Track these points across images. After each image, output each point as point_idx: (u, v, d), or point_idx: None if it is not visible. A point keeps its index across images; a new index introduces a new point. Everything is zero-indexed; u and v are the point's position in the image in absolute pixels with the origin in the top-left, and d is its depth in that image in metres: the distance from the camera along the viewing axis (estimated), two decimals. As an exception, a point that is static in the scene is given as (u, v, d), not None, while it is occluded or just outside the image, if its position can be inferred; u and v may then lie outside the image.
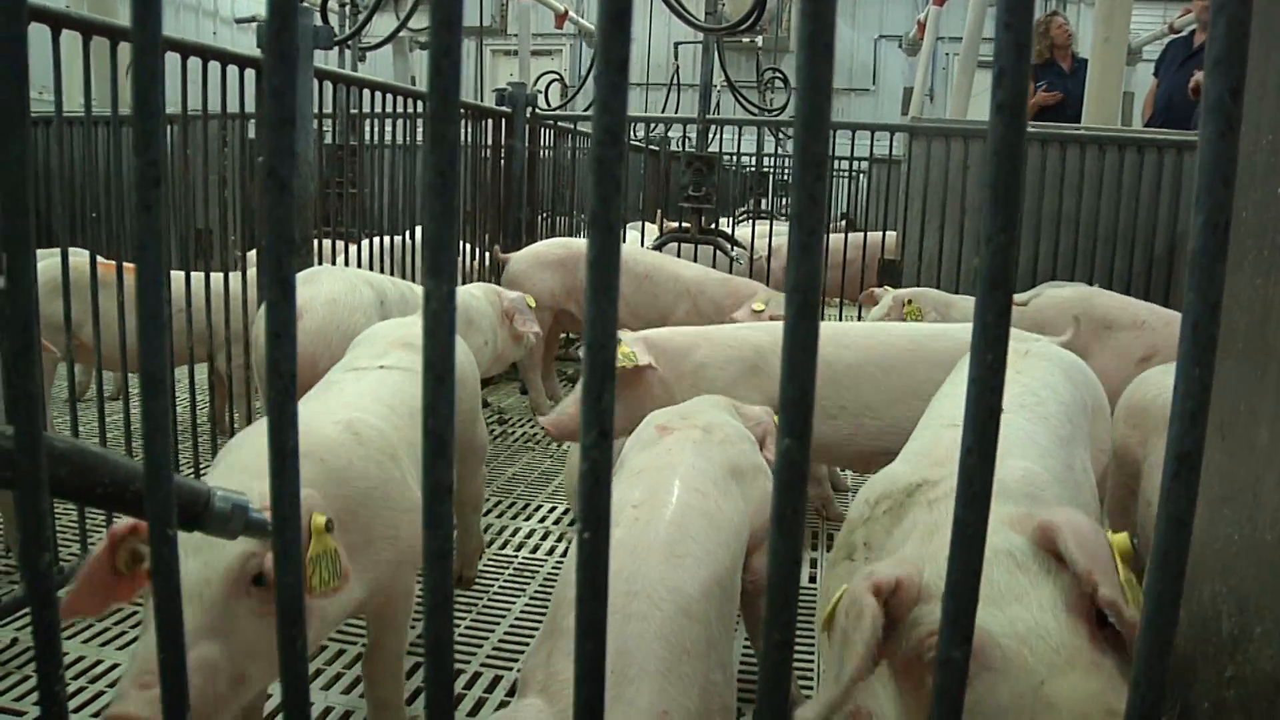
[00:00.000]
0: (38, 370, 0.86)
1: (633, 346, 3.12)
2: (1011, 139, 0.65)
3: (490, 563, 3.38)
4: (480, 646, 2.79)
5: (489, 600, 3.10)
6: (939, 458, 1.67)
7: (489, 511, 3.86)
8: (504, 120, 5.70)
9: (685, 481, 1.93)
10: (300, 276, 3.40)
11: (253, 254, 4.20)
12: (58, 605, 0.88)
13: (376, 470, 1.99)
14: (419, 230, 5.02)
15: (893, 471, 1.70)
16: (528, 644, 2.82)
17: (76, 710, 2.37)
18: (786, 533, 0.66)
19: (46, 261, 3.44)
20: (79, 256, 3.19)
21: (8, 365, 0.84)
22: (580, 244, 5.32)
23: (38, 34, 2.51)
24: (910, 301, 4.51)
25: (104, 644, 2.70)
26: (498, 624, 2.94)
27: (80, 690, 2.43)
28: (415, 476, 2.12)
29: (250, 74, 3.58)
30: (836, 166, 9.35)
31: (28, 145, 0.82)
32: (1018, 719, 1.11)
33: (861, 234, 6.38)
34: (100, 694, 2.45)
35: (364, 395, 2.25)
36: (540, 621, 2.96)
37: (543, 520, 3.80)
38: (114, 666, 2.58)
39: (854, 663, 1.17)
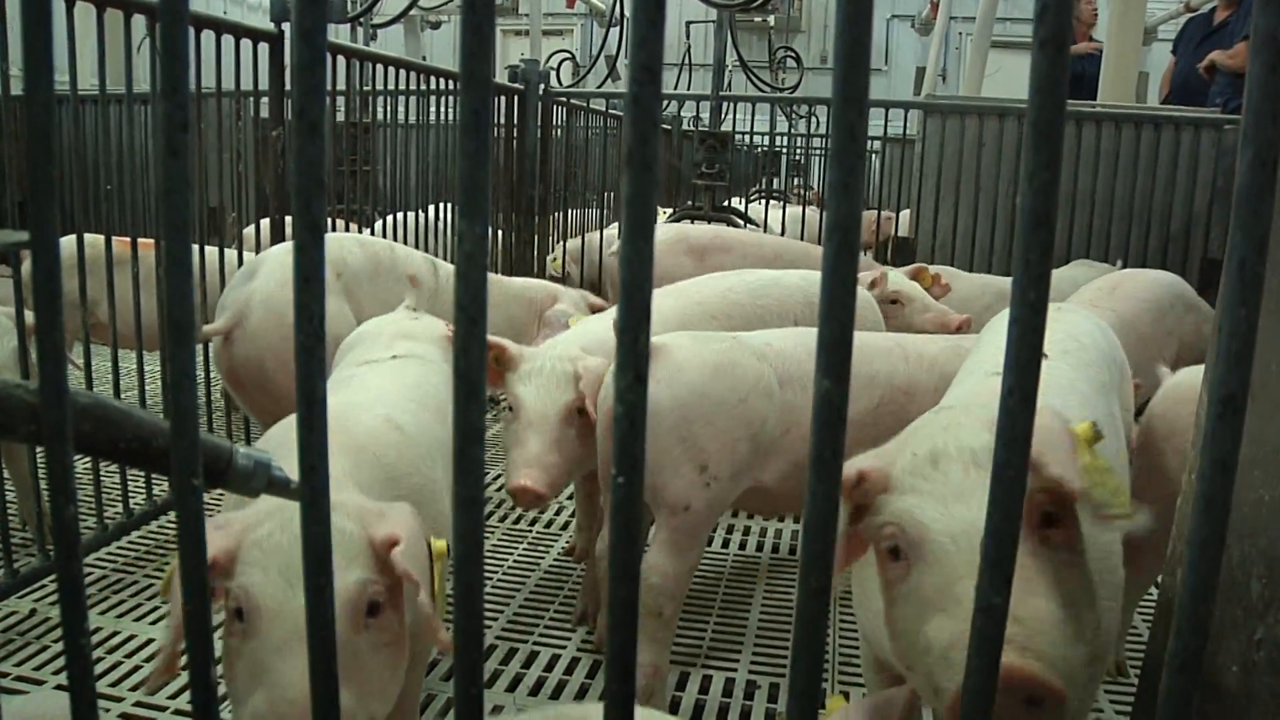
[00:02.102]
0: (61, 321, 0.85)
1: None
2: (1054, 75, 0.64)
3: (504, 538, 3.38)
4: (495, 619, 2.79)
5: (503, 575, 3.10)
6: (983, 402, 1.66)
7: (503, 488, 3.86)
8: (516, 98, 5.68)
9: None
10: (242, 272, 3.25)
11: (249, 231, 4.14)
12: (82, 558, 0.87)
13: (425, 467, 1.88)
14: (432, 209, 5.00)
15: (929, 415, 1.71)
16: (542, 617, 2.83)
17: (95, 679, 2.38)
18: (824, 475, 0.65)
19: (62, 239, 3.45)
20: (95, 237, 3.19)
21: (36, 315, 0.84)
22: (702, 230, 5.14)
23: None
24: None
25: (120, 615, 2.71)
26: (513, 598, 2.94)
27: (98, 660, 2.44)
28: (447, 481, 1.95)
29: (264, 48, 3.56)
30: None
31: (53, 93, 0.81)
32: (936, 609, 1.21)
33: (875, 212, 6.35)
34: (118, 664, 2.46)
35: (388, 389, 2.11)
36: (555, 596, 2.96)
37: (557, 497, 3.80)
38: (130, 638, 2.59)
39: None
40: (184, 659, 0.90)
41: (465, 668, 0.78)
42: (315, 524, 0.78)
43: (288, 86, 2.90)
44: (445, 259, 4.07)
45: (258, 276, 3.13)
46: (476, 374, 0.70)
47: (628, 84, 0.65)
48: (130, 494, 3.13)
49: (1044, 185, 0.64)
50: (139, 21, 3.04)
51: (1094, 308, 3.51)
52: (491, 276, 3.74)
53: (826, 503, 0.66)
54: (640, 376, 0.67)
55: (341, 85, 4.22)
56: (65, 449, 0.85)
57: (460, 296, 0.69)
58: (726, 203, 6.06)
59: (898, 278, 3.86)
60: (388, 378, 2.19)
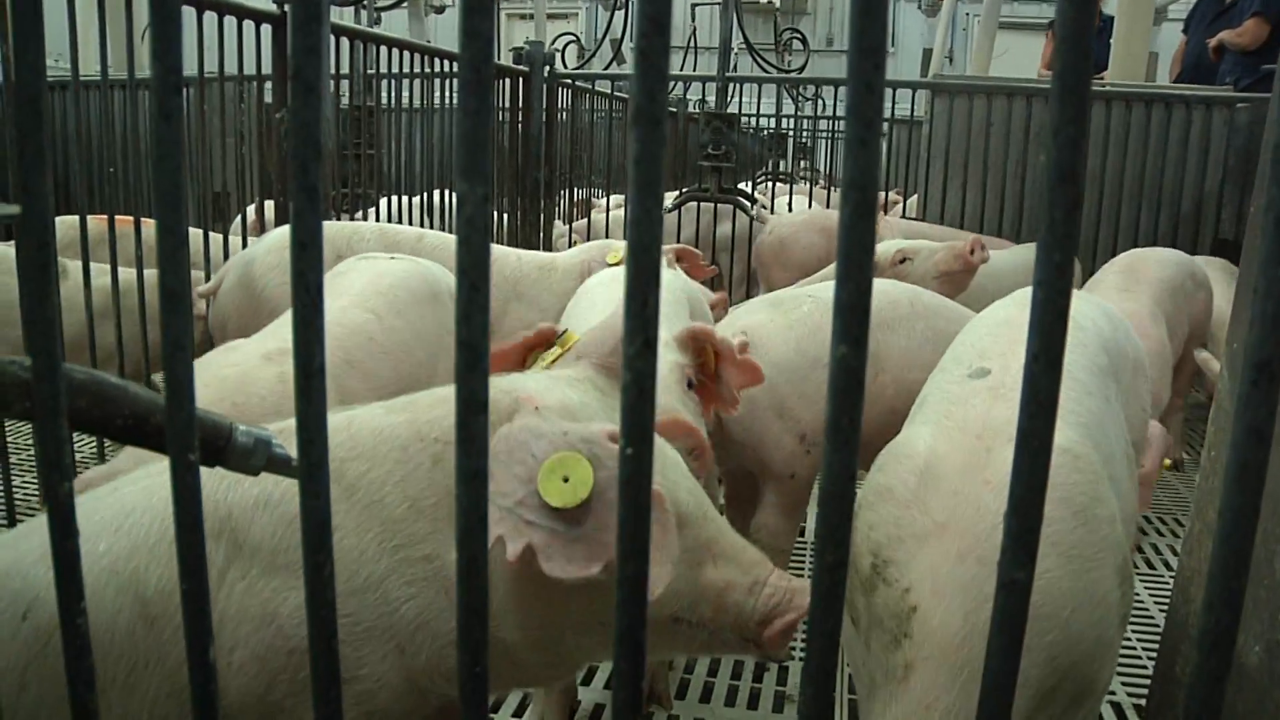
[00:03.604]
0: (54, 294, 0.83)
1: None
2: (1080, 25, 0.61)
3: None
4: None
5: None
6: (976, 431, 1.58)
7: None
8: (521, 80, 5.64)
9: None
10: (255, 239, 3.26)
11: (251, 210, 4.10)
12: (79, 535, 0.85)
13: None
14: (438, 194, 4.96)
15: (909, 459, 1.57)
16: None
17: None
18: (841, 444, 0.63)
19: (64, 219, 3.43)
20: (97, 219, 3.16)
21: (24, 289, 0.81)
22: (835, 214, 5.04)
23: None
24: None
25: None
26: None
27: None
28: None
29: (266, 30, 3.52)
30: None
31: (43, 57, 0.79)
32: None
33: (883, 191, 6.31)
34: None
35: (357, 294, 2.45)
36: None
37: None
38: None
39: None
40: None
41: (469, 646, 0.76)
42: (313, 498, 0.76)
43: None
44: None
45: (256, 243, 3.13)
46: (478, 341, 0.67)
47: (635, 37, 0.63)
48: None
49: (1070, 139, 0.61)
50: (141, 6, 3.01)
51: (1125, 293, 3.47)
52: (532, 257, 3.60)
53: (844, 474, 0.63)
54: (649, 342, 0.64)
55: (345, 69, 4.18)
56: (58, 424, 0.83)
57: (462, 261, 0.66)
58: (733, 184, 6.02)
59: (894, 243, 3.81)
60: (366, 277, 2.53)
